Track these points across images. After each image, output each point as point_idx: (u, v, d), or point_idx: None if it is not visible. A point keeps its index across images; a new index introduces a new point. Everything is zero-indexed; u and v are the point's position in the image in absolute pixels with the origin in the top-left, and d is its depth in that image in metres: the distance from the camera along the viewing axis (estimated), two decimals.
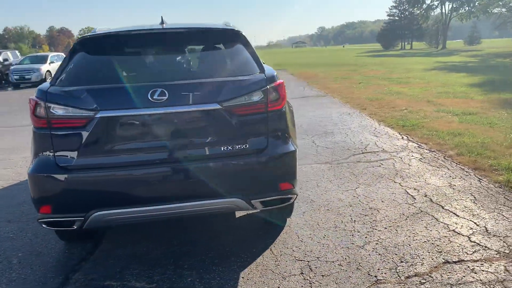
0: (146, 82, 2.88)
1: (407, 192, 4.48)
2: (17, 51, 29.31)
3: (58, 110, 2.81)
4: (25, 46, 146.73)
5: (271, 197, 3.09)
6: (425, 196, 4.35)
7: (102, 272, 3.17)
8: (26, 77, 22.23)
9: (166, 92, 2.79)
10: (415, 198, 4.30)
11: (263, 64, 3.41)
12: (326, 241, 3.49)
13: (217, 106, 2.87)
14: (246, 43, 3.38)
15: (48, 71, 22.94)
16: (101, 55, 3.18)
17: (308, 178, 5.11)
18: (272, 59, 46.82)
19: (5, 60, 25.18)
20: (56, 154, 2.84)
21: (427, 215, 3.89)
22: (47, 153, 2.86)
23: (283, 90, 3.14)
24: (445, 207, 4.04)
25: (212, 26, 3.46)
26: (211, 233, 3.73)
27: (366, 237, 3.52)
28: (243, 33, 3.49)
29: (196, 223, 3.93)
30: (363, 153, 6.19)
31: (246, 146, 2.97)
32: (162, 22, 3.67)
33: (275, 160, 3.04)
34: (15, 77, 22.31)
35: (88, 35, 3.23)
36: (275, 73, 3.19)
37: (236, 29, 3.46)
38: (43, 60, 24.07)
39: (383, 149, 6.31)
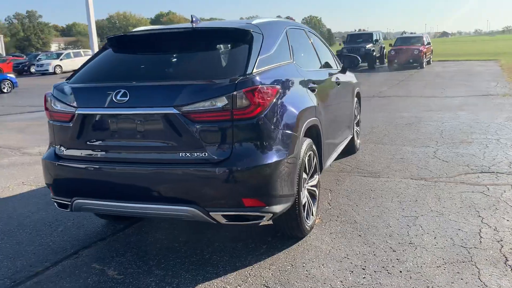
0: (117, 82, 2.99)
1: (479, 232, 3.48)
2: None
3: (57, 105, 3.17)
4: None
5: (233, 213, 2.85)
6: (499, 241, 3.31)
7: (101, 254, 3.47)
8: None
9: (128, 93, 2.85)
10: (481, 242, 3.32)
11: (263, 67, 3.09)
12: (314, 272, 3.03)
13: (173, 111, 2.78)
14: (251, 44, 3.14)
15: None
16: (111, 54, 3.41)
17: (378, 195, 4.45)
18: (494, 47, 40.85)
19: None
20: (55, 144, 3.23)
21: (473, 267, 2.97)
22: (53, 142, 3.27)
23: (257, 97, 2.80)
24: (509, 261, 3.02)
25: (217, 26, 3.33)
26: (220, 237, 3.65)
27: (364, 278, 2.92)
28: (254, 32, 3.26)
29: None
30: (481, 172, 5.02)
31: (205, 154, 2.80)
32: (192, 21, 3.71)
33: (238, 172, 2.77)
34: None
35: (111, 36, 3.50)
36: (257, 77, 2.88)
37: (244, 29, 3.24)
38: None
39: None
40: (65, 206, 3.25)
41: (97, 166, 3.01)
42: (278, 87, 3.07)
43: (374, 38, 24.80)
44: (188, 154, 2.82)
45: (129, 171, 2.93)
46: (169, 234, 3.81)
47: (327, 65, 5.05)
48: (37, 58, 37.32)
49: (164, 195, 2.88)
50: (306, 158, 3.42)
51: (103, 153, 3.03)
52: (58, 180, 3.20)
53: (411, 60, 22.00)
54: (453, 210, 3.95)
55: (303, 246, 3.43)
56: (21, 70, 35.92)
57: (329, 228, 3.73)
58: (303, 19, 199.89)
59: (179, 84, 2.87)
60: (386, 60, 24.13)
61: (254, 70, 2.96)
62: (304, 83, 3.62)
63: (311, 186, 3.70)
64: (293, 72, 3.53)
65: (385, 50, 25.68)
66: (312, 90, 3.76)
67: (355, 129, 6.08)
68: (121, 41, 3.43)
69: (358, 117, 6.32)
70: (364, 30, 35.19)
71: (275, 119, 2.96)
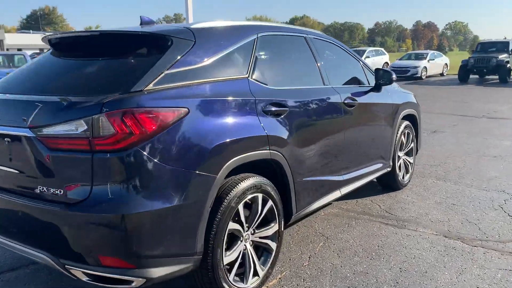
0: None
1: None
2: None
3: None
4: (390, 40, 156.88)
5: (92, 271, 2.21)
6: None
7: (16, 281, 3.09)
8: (405, 73, 23.35)
9: None
10: None
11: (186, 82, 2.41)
12: None
13: (28, 133, 2.23)
14: (164, 52, 2.47)
15: (424, 67, 23.92)
16: (39, 59, 3.00)
17: (380, 255, 3.38)
18: None
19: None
20: None
21: None
22: None
23: (128, 123, 2.09)
24: None
25: (133, 30, 2.70)
26: None
27: None
28: (179, 39, 2.59)
29: None
30: None
31: (60, 192, 2.20)
32: (141, 23, 3.18)
33: (92, 220, 2.13)
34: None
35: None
36: (143, 96, 2.19)
37: (161, 34, 2.60)
38: (422, 57, 25.25)
39: None
40: None
41: None
42: (185, 109, 2.33)
43: (511, 47, 21.44)
44: (45, 189, 2.26)
45: None
46: None
47: (352, 82, 4.12)
48: None
49: (21, 234, 2.39)
50: (242, 203, 2.63)
51: None
52: None
53: None
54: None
55: None
56: None
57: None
58: (446, 24, 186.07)
59: (39, 100, 2.31)
60: None
61: (150, 87, 2.27)
62: (255, 105, 2.80)
63: (262, 237, 2.89)
64: (237, 91, 2.73)
65: None
66: (276, 114, 2.91)
67: (401, 160, 4.92)
68: (49, 42, 2.99)
69: (411, 145, 5.11)
70: None
71: (166, 152, 2.22)
